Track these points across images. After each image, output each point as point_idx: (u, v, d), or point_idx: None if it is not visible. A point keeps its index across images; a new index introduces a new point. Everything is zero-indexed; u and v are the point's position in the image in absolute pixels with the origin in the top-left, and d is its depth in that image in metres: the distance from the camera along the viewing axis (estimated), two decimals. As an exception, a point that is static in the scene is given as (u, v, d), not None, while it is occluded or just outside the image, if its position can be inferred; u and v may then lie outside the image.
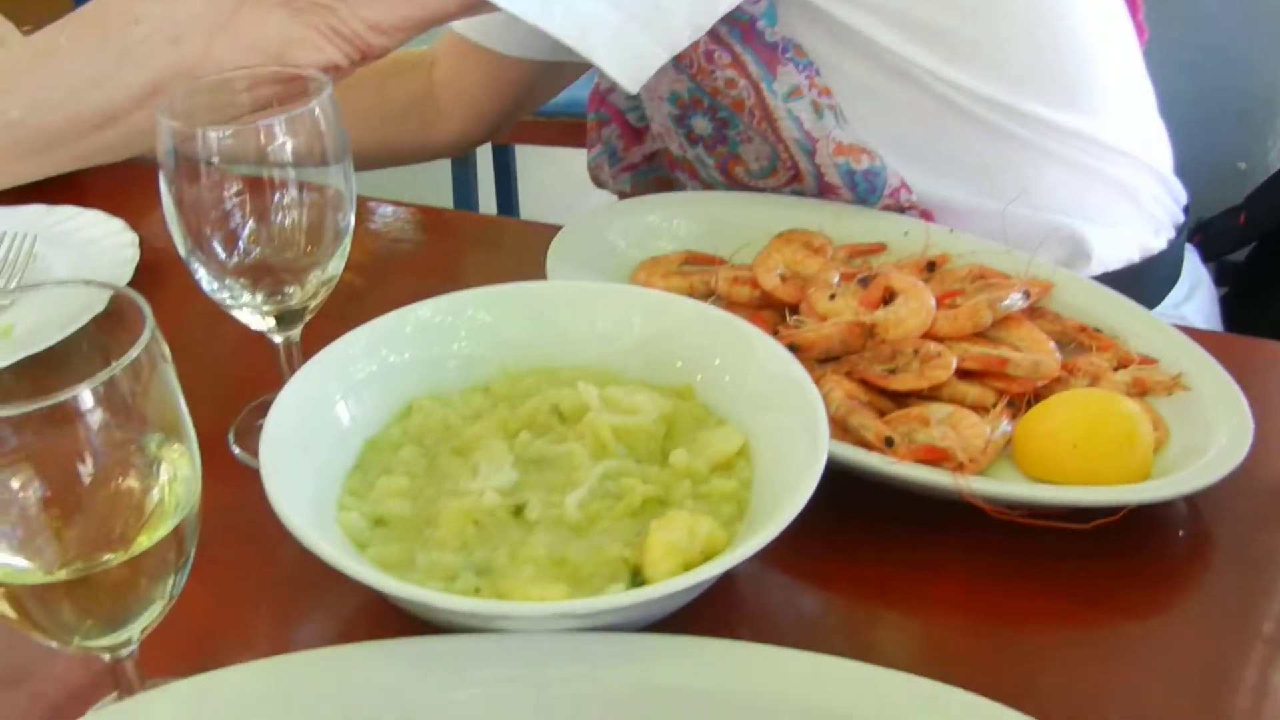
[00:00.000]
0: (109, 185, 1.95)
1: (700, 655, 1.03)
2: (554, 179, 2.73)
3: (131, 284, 1.56)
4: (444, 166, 3.95)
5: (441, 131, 2.00)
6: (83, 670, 1.05)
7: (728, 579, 1.18)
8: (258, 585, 1.25)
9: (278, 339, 1.38)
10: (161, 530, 0.94)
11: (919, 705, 0.97)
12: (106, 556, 0.92)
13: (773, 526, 1.03)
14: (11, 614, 0.93)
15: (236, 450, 1.42)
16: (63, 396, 0.88)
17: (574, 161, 3.50)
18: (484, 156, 4.11)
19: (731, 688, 1.00)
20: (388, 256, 1.90)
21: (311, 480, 1.17)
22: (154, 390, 0.94)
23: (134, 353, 0.91)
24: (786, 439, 1.17)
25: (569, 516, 1.12)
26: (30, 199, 1.87)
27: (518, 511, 1.13)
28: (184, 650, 1.05)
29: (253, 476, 1.30)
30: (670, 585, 1.00)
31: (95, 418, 0.90)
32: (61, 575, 0.92)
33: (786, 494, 1.07)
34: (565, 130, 3.52)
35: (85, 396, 0.89)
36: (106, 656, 1.00)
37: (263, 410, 1.41)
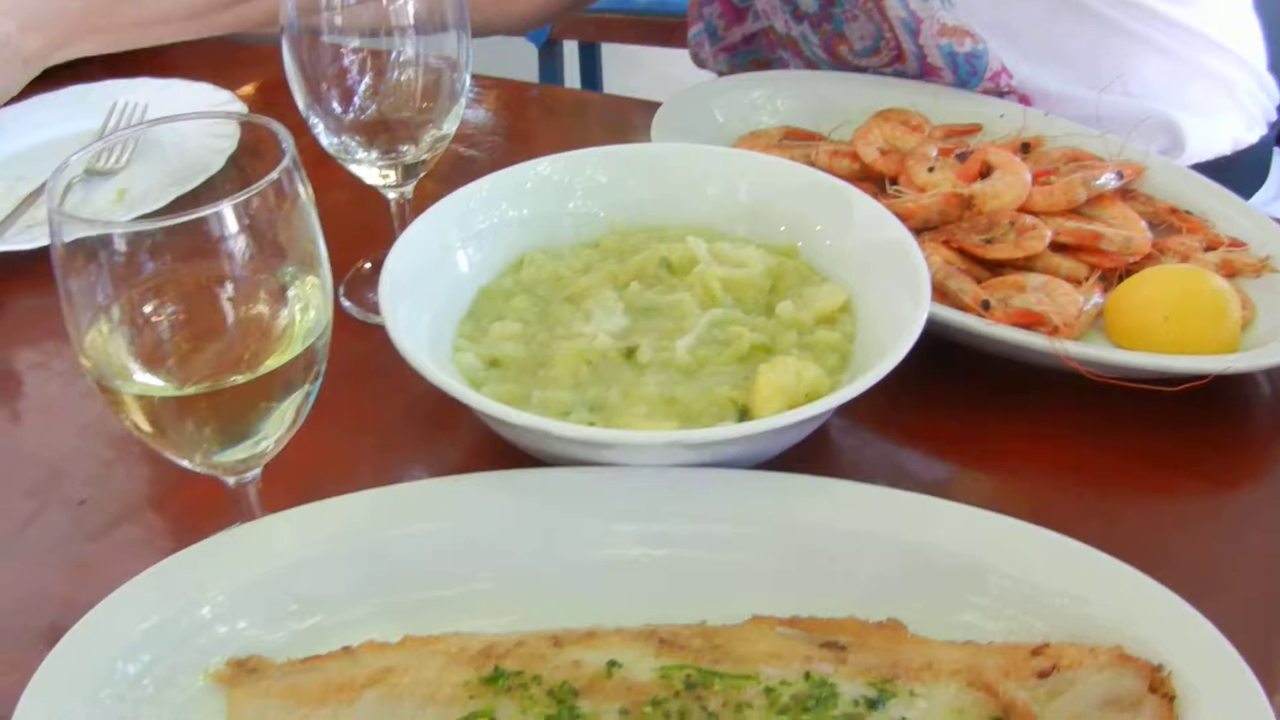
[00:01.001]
0: (214, 60, 2.02)
1: (807, 492, 1.08)
2: (639, 82, 2.75)
3: (235, 155, 1.62)
4: (531, 62, 3.94)
5: (523, 2, 2.02)
6: (208, 501, 1.11)
7: (825, 432, 1.24)
8: (367, 430, 1.31)
9: (392, 195, 1.43)
10: (289, 355, 0.99)
11: (1032, 549, 1.02)
12: (235, 377, 0.97)
13: (877, 370, 1.08)
14: (148, 428, 0.99)
15: (346, 303, 1.48)
16: (204, 211, 0.93)
17: (661, 62, 3.50)
18: (570, 54, 4.09)
19: (834, 524, 1.05)
20: (489, 128, 1.94)
21: (427, 323, 1.23)
22: (294, 220, 0.98)
23: (274, 174, 0.95)
24: (888, 297, 1.21)
25: (679, 360, 1.17)
26: (137, 73, 1.94)
27: (629, 354, 1.19)
28: (299, 488, 1.11)
29: (360, 329, 1.37)
30: (780, 419, 1.05)
31: (234, 242, 0.95)
32: (192, 390, 0.97)
33: (889, 346, 1.11)
34: (652, 29, 3.48)
35: (226, 215, 0.93)
36: (231, 481, 1.06)
37: (371, 270, 1.48)
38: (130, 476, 1.28)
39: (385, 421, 1.32)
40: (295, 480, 1.12)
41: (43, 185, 1.63)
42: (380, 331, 1.15)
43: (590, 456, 1.09)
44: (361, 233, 1.42)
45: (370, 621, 1.02)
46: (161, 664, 0.97)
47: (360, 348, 1.28)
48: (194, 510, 1.20)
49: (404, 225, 1.32)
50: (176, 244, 0.95)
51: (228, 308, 1.00)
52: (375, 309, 1.34)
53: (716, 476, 1.08)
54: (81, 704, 0.93)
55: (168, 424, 0.99)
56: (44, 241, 1.49)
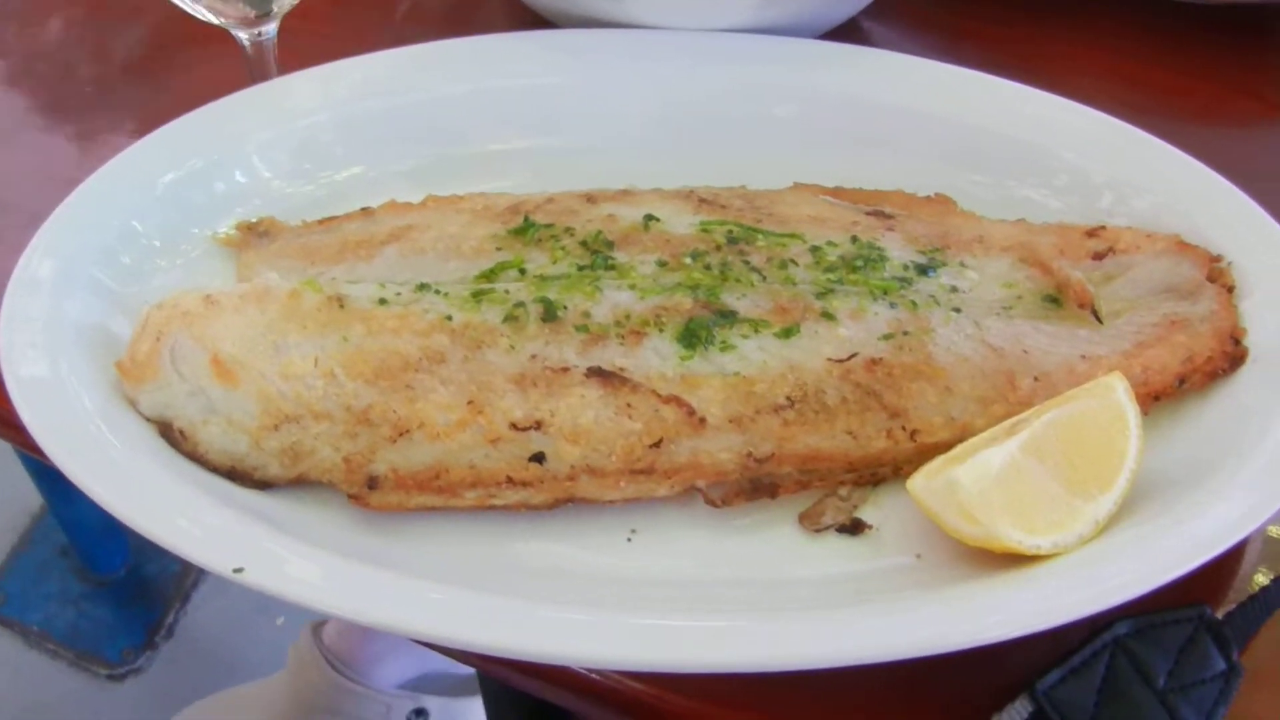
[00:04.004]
0: None
1: (857, 58, 1.03)
2: None
3: None
4: None
5: None
6: (218, 79, 1.05)
7: (861, 28, 1.16)
8: (386, 10, 1.24)
9: None
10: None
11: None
12: None
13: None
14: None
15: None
16: None
17: None
18: None
19: (885, 93, 1.00)
20: None
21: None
22: None
23: None
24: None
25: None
26: None
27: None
28: (315, 59, 1.03)
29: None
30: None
31: None
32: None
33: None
34: None
35: None
36: (245, 37, 0.99)
37: None
38: (139, 59, 1.20)
39: (408, 10, 1.25)
40: (312, 56, 1.03)
41: None
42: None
43: (628, 16, 1.03)
44: None
45: (391, 182, 0.97)
46: (175, 219, 0.92)
47: None
48: (202, 93, 1.11)
49: None
50: None
51: None
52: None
53: (761, 41, 1.01)
54: (88, 254, 0.87)
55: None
56: None
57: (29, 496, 2.32)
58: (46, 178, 1.05)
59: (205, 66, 1.13)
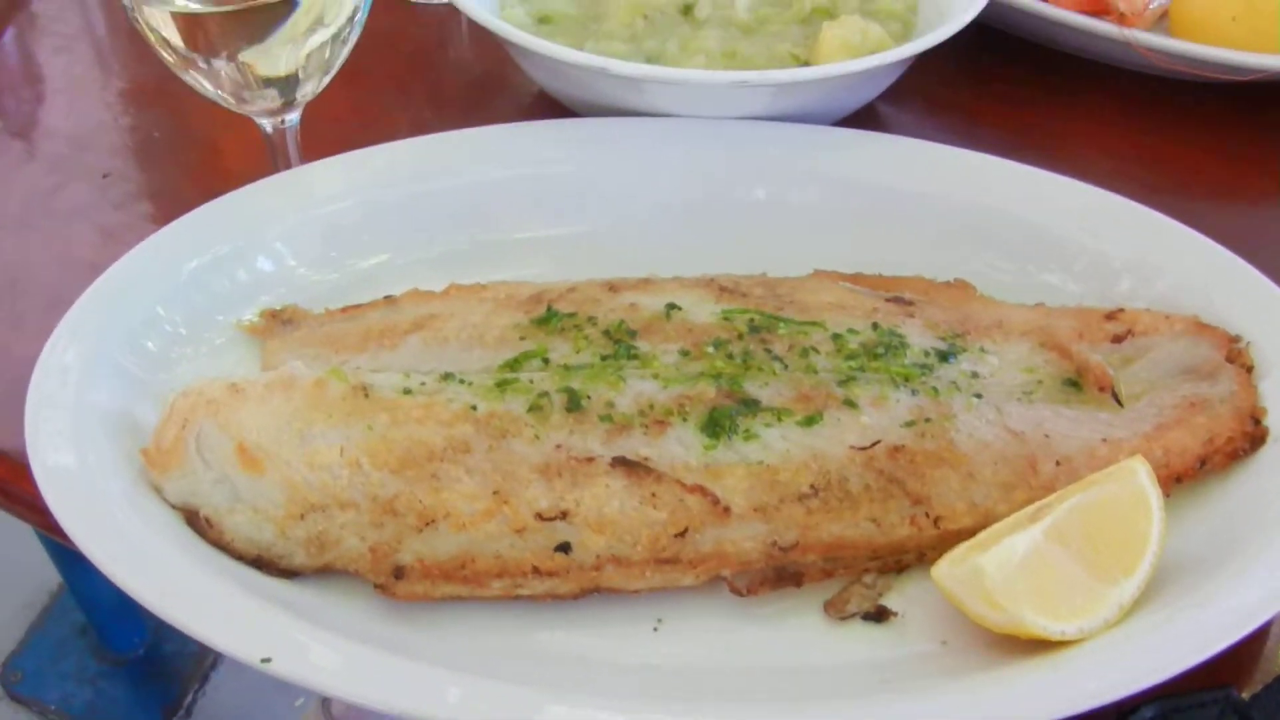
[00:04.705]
0: None
1: (875, 146, 1.03)
2: None
3: None
4: None
5: None
6: (238, 170, 1.06)
7: (876, 114, 1.18)
8: (405, 96, 1.25)
9: None
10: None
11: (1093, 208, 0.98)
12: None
13: (949, 26, 1.02)
14: (181, 51, 0.92)
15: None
16: None
17: None
18: None
19: (903, 180, 1.01)
20: None
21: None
22: None
23: None
24: (954, -32, 1.14)
25: (738, 17, 1.11)
26: None
27: (687, 10, 1.13)
28: (337, 149, 1.04)
29: (402, 10, 1.29)
30: (850, 64, 0.99)
31: None
32: (227, 8, 0.91)
33: (952, 16, 1.06)
34: None
35: None
36: (269, 125, 1.00)
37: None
38: (157, 150, 1.21)
39: (424, 89, 1.26)
40: (333, 143, 1.04)
41: None
42: (415, 9, 1.08)
43: (647, 104, 1.03)
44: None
45: (414, 269, 0.98)
46: (199, 306, 0.93)
47: (400, 26, 1.22)
48: (222, 184, 1.12)
49: None
50: None
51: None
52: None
53: (779, 128, 1.02)
54: (113, 341, 0.88)
55: (203, 45, 0.93)
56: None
57: (47, 574, 2.32)
58: (68, 261, 1.06)
59: (228, 152, 1.14)
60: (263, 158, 1.01)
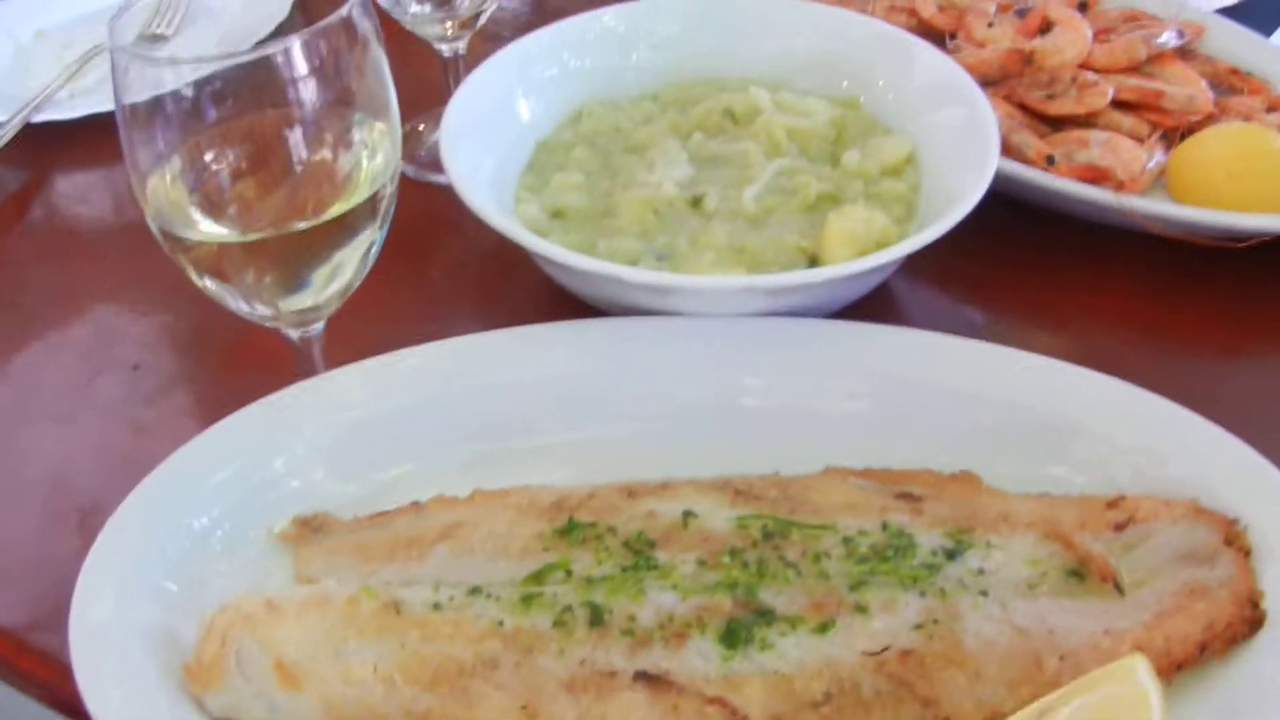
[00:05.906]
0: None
1: (882, 341, 1.07)
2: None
3: (285, 23, 1.58)
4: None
5: None
6: (266, 365, 1.11)
7: (887, 289, 1.22)
8: (425, 288, 1.30)
9: (446, 50, 1.39)
10: (356, 200, 0.97)
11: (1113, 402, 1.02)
12: (300, 224, 0.95)
13: (951, 216, 1.06)
14: (212, 278, 0.97)
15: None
16: (273, 49, 0.90)
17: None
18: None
19: (909, 373, 1.05)
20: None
21: (488, 172, 1.21)
22: (362, 62, 0.96)
23: (344, 10, 0.92)
24: (954, 148, 1.19)
25: (746, 208, 1.16)
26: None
27: (696, 203, 1.17)
28: (358, 346, 1.08)
29: (414, 189, 1.33)
30: (857, 264, 1.04)
31: (302, 83, 0.92)
32: (256, 237, 0.95)
33: (956, 197, 1.10)
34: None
35: (295, 53, 0.90)
36: (295, 335, 1.04)
37: (425, 129, 1.44)
38: (185, 341, 1.26)
39: (444, 280, 1.30)
40: (355, 339, 1.09)
41: (89, 51, 1.61)
42: (435, 191, 1.14)
43: (659, 305, 1.08)
44: (412, 94, 1.38)
45: (439, 475, 1.02)
46: (231, 519, 0.97)
47: (414, 207, 1.24)
48: (250, 374, 1.17)
49: (458, 82, 1.29)
50: (242, 85, 0.93)
51: (294, 152, 0.97)
52: (430, 168, 1.33)
53: (789, 324, 1.07)
54: (150, 559, 0.92)
55: (233, 271, 0.97)
56: (89, 110, 1.47)
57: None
58: (104, 457, 1.12)
59: (257, 340, 1.16)
60: (288, 360, 1.06)
